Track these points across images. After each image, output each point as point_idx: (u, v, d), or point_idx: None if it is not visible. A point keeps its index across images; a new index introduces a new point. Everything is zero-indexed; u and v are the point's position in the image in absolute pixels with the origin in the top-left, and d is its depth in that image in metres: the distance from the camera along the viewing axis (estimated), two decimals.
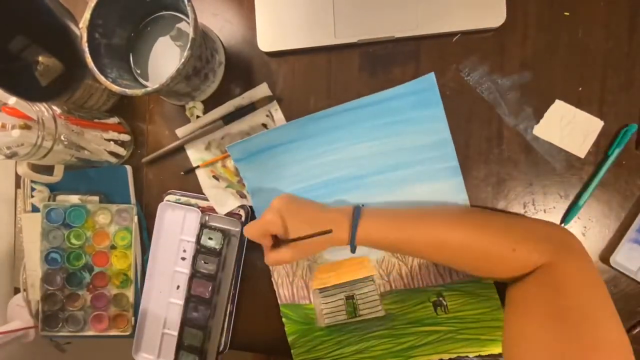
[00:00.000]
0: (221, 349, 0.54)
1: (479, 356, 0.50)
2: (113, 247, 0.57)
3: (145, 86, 0.49)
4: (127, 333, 0.56)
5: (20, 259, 0.60)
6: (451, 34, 0.49)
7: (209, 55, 0.49)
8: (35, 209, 0.58)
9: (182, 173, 0.56)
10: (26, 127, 0.44)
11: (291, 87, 0.53)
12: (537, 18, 0.49)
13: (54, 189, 0.57)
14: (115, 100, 0.57)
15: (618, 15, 0.47)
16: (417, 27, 0.49)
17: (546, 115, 0.49)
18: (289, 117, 0.53)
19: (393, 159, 0.51)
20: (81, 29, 0.44)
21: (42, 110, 0.46)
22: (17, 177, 0.60)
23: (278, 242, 0.47)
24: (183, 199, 0.55)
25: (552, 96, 0.49)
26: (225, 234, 0.53)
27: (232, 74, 0.54)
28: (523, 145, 0.50)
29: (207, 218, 0.54)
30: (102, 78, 0.43)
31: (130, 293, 0.57)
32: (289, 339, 0.54)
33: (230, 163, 0.54)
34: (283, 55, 0.53)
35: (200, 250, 0.53)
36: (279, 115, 0.53)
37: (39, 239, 0.55)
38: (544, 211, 0.50)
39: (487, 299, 0.50)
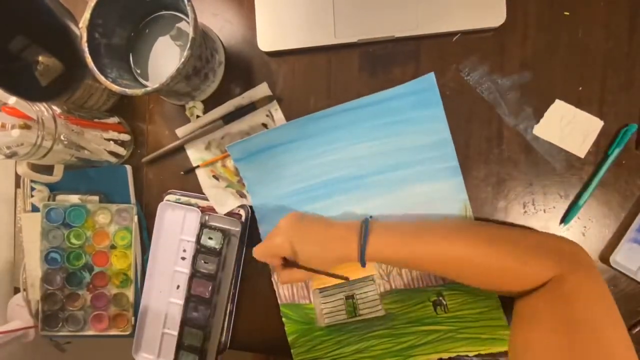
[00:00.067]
0: (221, 348, 0.54)
1: (479, 355, 0.50)
2: (113, 246, 0.57)
3: (145, 86, 0.49)
4: (127, 333, 0.56)
5: (20, 259, 0.60)
6: (451, 34, 0.49)
7: (209, 55, 0.49)
8: (35, 209, 0.58)
9: (182, 173, 0.56)
10: (26, 127, 0.44)
11: (291, 87, 0.53)
12: (537, 18, 0.49)
13: (54, 189, 0.57)
14: (115, 100, 0.57)
15: (618, 15, 0.47)
16: (417, 27, 0.49)
17: (546, 115, 0.49)
18: (289, 117, 0.53)
19: (393, 159, 0.51)
20: (81, 28, 0.44)
21: (42, 110, 0.46)
22: (17, 177, 0.60)
23: (288, 261, 0.47)
24: (183, 198, 0.55)
25: (552, 96, 0.49)
26: (225, 233, 0.53)
27: (232, 74, 0.54)
28: (523, 145, 0.50)
29: (207, 218, 0.54)
30: (102, 78, 0.43)
31: (130, 293, 0.57)
32: (289, 338, 0.54)
33: (230, 163, 0.54)
34: (283, 55, 0.53)
35: (200, 250, 0.53)
36: (279, 115, 0.53)
37: (38, 239, 0.55)
38: (544, 211, 0.50)
39: (486, 298, 0.50)
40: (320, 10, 0.50)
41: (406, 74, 0.51)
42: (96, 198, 0.57)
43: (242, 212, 0.54)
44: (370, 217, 0.48)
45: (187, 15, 0.43)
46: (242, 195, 0.55)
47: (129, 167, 0.57)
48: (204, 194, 0.55)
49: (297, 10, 0.50)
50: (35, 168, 0.50)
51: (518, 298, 0.42)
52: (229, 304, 0.54)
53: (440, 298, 0.51)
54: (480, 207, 0.51)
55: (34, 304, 0.58)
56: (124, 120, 0.57)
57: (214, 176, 0.55)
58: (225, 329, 0.54)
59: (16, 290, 0.61)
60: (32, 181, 0.57)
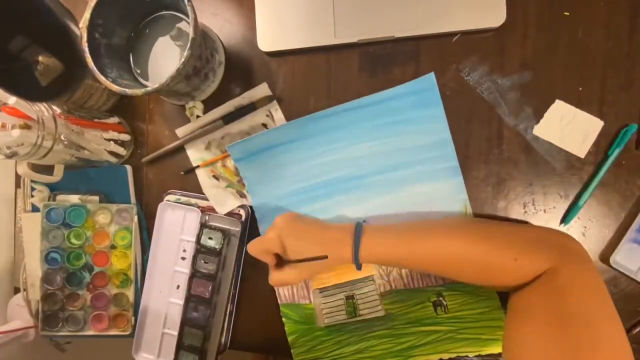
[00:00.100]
0: (221, 348, 0.54)
1: (479, 356, 0.50)
2: (113, 246, 0.57)
3: (145, 86, 0.49)
4: (127, 333, 0.56)
5: (20, 259, 0.60)
6: (451, 34, 0.49)
7: (209, 55, 0.49)
8: (35, 209, 0.58)
9: (182, 173, 0.56)
10: (26, 126, 0.44)
11: (291, 87, 0.53)
12: (537, 18, 0.49)
13: (54, 189, 0.57)
14: (115, 100, 0.57)
15: (618, 15, 0.47)
16: (417, 27, 0.49)
17: (546, 115, 0.49)
18: (289, 117, 0.53)
19: (393, 159, 0.51)
20: (81, 28, 0.44)
21: (42, 110, 0.46)
22: (17, 177, 0.60)
23: (282, 262, 0.47)
24: (183, 198, 0.55)
25: (552, 96, 0.49)
26: (225, 233, 0.53)
27: (232, 74, 0.54)
28: (523, 145, 0.50)
29: (207, 218, 0.54)
30: (102, 78, 0.43)
31: (130, 293, 0.57)
32: (289, 338, 0.54)
33: (230, 163, 0.54)
34: (283, 55, 0.53)
35: (200, 250, 0.53)
36: (279, 115, 0.53)
37: (39, 239, 0.55)
38: (544, 211, 0.50)
39: (486, 298, 0.50)
40: (320, 10, 0.50)
41: (406, 74, 0.51)
42: (96, 198, 0.57)
43: (242, 212, 0.54)
44: (364, 221, 0.48)
45: (187, 16, 0.43)
46: (242, 195, 0.55)
47: (129, 167, 0.57)
48: (204, 194, 0.55)
49: (297, 10, 0.50)
50: (36, 168, 0.50)
51: (512, 292, 0.42)
52: (229, 304, 0.54)
53: (441, 298, 0.51)
54: (480, 207, 0.50)
55: (34, 304, 0.58)
56: (124, 120, 0.57)
57: (214, 176, 0.55)
58: (225, 329, 0.54)
59: (16, 290, 0.61)
60: (32, 181, 0.57)
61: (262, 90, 0.53)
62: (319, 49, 0.51)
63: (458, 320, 0.51)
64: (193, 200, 0.55)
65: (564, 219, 0.49)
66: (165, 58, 0.50)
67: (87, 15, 0.43)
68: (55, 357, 0.62)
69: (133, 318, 0.57)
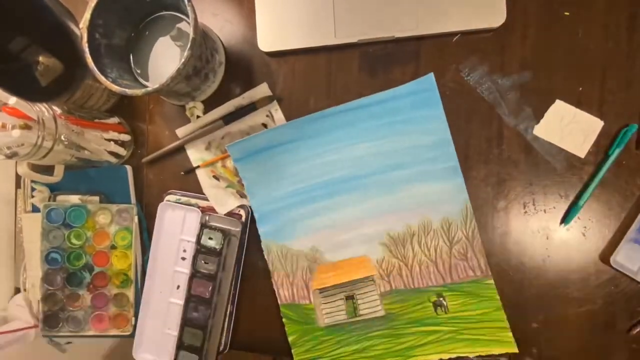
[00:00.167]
0: (221, 349, 0.54)
1: (479, 356, 0.50)
2: (113, 247, 0.57)
3: (145, 86, 0.49)
4: (127, 333, 0.56)
5: (21, 259, 0.60)
6: (451, 34, 0.49)
7: (209, 55, 0.49)
8: (35, 209, 0.58)
9: (182, 173, 0.56)
10: (26, 127, 0.44)
11: (291, 87, 0.53)
12: (537, 18, 0.49)
13: (54, 189, 0.57)
14: (115, 100, 0.57)
15: (618, 15, 0.47)
16: (417, 27, 0.49)
17: (546, 115, 0.49)
18: (289, 117, 0.53)
19: (393, 159, 0.51)
20: (81, 29, 0.44)
21: (42, 110, 0.46)
22: (17, 177, 0.60)
23: None
24: (183, 199, 0.55)
25: (552, 96, 0.49)
26: (225, 233, 0.53)
27: (232, 74, 0.54)
28: (523, 145, 0.50)
29: (207, 218, 0.54)
30: (102, 78, 0.43)
31: (130, 293, 0.57)
32: (289, 338, 0.54)
33: (230, 163, 0.54)
34: (283, 55, 0.53)
35: (201, 250, 0.53)
36: (279, 115, 0.53)
37: (39, 239, 0.55)
38: (544, 211, 0.50)
39: (487, 299, 0.50)
40: (320, 10, 0.50)
41: (406, 74, 0.51)
42: (96, 198, 0.57)
43: (242, 212, 0.54)
44: None
45: (187, 16, 0.43)
46: (243, 196, 0.55)
47: (129, 168, 0.57)
48: (204, 194, 0.55)
49: (297, 10, 0.50)
50: (36, 168, 0.50)
51: None
52: (229, 304, 0.54)
53: (441, 299, 0.51)
54: (480, 207, 0.51)
55: (35, 304, 0.58)
56: (124, 120, 0.57)
57: (214, 176, 0.55)
58: (225, 329, 0.54)
59: (17, 291, 0.61)
60: (32, 181, 0.57)
61: (262, 90, 0.53)
62: (319, 49, 0.51)
63: (458, 320, 0.51)
64: (193, 201, 0.55)
65: (564, 219, 0.49)
66: (165, 58, 0.50)
67: (87, 15, 0.43)
68: (56, 357, 0.62)
69: (133, 318, 0.57)
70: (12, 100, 0.44)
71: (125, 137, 0.56)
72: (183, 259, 0.56)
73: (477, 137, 0.50)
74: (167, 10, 0.50)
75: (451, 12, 0.48)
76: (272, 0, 0.51)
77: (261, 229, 0.54)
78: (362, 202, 0.52)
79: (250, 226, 0.54)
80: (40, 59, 0.46)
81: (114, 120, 0.55)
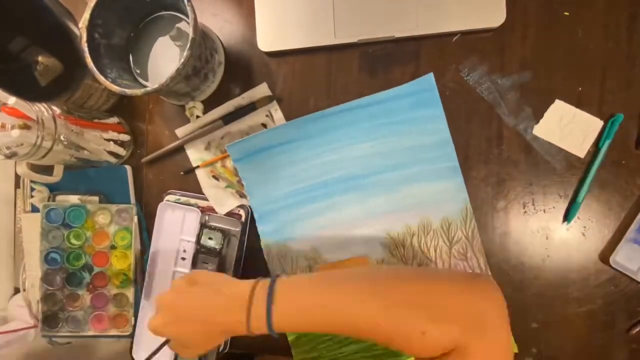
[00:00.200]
0: (221, 349, 0.54)
1: None
2: (113, 247, 0.56)
3: (145, 86, 0.49)
4: (127, 333, 0.56)
5: (20, 259, 0.60)
6: (451, 34, 0.49)
7: (208, 55, 0.49)
8: (35, 209, 0.58)
9: (182, 173, 0.56)
10: (26, 127, 0.44)
11: (291, 87, 0.53)
12: (537, 18, 0.49)
13: (54, 189, 0.57)
14: (115, 100, 0.57)
15: (618, 15, 0.47)
16: (417, 27, 0.49)
17: (546, 115, 0.49)
18: (288, 117, 0.53)
19: (392, 159, 0.51)
20: (81, 29, 0.44)
21: (41, 110, 0.46)
22: (17, 177, 0.60)
23: None
24: (183, 199, 0.55)
25: (552, 96, 0.49)
26: (225, 233, 0.53)
27: (232, 74, 0.54)
28: (523, 145, 0.50)
29: (207, 218, 0.54)
30: (101, 78, 0.43)
31: (130, 293, 0.57)
32: (289, 338, 0.54)
33: (229, 163, 0.54)
34: (283, 55, 0.53)
35: (200, 250, 0.53)
36: (278, 115, 0.53)
37: (38, 239, 0.55)
38: (544, 211, 0.50)
39: None
40: (320, 10, 0.50)
41: (406, 74, 0.51)
42: (96, 198, 0.57)
43: (242, 212, 0.54)
44: (277, 275, 0.40)
45: (187, 16, 0.43)
46: (242, 195, 0.55)
47: (128, 167, 0.57)
48: (203, 194, 0.55)
49: (297, 10, 0.50)
50: (35, 168, 0.50)
51: None
52: None
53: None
54: (480, 207, 0.51)
55: (34, 304, 0.58)
56: (124, 120, 0.57)
57: (213, 176, 0.55)
58: None
59: (16, 291, 0.61)
60: (32, 181, 0.57)
61: (262, 90, 0.53)
62: (319, 49, 0.51)
63: None
64: (193, 201, 0.55)
65: (566, 218, 0.49)
66: (165, 58, 0.50)
67: (86, 15, 0.43)
68: (55, 357, 0.62)
69: (133, 318, 0.57)
70: (12, 100, 0.44)
71: (125, 137, 0.56)
72: (183, 259, 0.56)
73: (477, 137, 0.50)
74: (166, 10, 0.50)
75: (451, 12, 0.48)
76: (271, 0, 0.51)
77: (261, 229, 0.54)
78: (362, 202, 0.52)
79: (250, 226, 0.54)
80: (40, 59, 0.46)
81: (114, 120, 0.55)
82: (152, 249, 0.56)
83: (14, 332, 0.55)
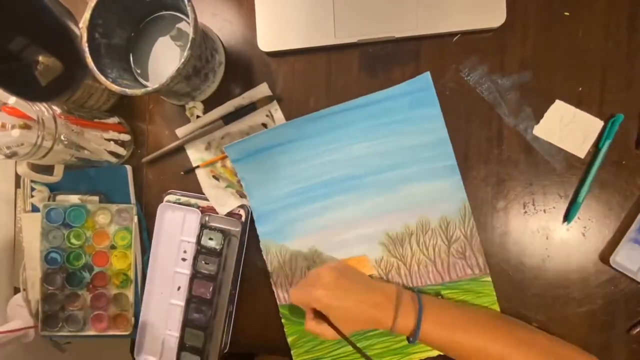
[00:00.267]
0: (222, 349, 0.54)
1: None
2: (113, 247, 0.56)
3: (145, 86, 0.49)
4: (127, 333, 0.56)
5: (20, 259, 0.60)
6: (451, 34, 0.49)
7: (209, 55, 0.49)
8: (35, 209, 0.58)
9: (182, 173, 0.56)
10: (26, 126, 0.44)
11: (291, 87, 0.53)
12: (537, 18, 0.49)
13: (54, 189, 0.57)
14: (115, 100, 0.57)
15: (618, 15, 0.47)
16: (417, 27, 0.49)
17: (546, 115, 0.49)
18: (289, 117, 0.53)
19: (391, 159, 0.51)
20: (81, 29, 0.44)
21: (42, 110, 0.46)
22: (17, 177, 0.60)
23: (319, 313, 0.45)
24: (183, 199, 0.55)
25: (552, 96, 0.49)
26: (225, 234, 0.53)
27: (232, 74, 0.54)
28: (523, 145, 0.50)
29: (207, 218, 0.54)
30: (102, 78, 0.43)
31: (130, 293, 0.57)
32: (289, 339, 0.54)
33: (230, 163, 0.54)
34: (283, 55, 0.53)
35: (201, 250, 0.53)
36: (279, 115, 0.53)
37: (38, 239, 0.55)
38: (544, 211, 0.50)
39: (484, 295, 0.50)
40: (320, 10, 0.50)
41: (406, 74, 0.51)
42: (96, 198, 0.57)
43: (242, 212, 0.54)
44: (418, 290, 0.49)
45: (187, 16, 0.43)
46: (242, 196, 0.55)
47: (129, 167, 0.57)
48: (204, 194, 0.55)
49: (297, 10, 0.50)
50: (35, 168, 0.50)
51: None
52: (229, 305, 0.54)
53: (440, 297, 0.51)
54: (480, 207, 0.51)
55: (34, 304, 0.58)
56: (124, 120, 0.57)
57: (214, 176, 0.55)
58: (225, 329, 0.54)
59: (16, 290, 0.61)
60: (32, 181, 0.57)
61: (262, 90, 0.53)
62: (319, 49, 0.51)
63: None
64: (193, 201, 0.55)
65: (566, 218, 0.49)
66: (165, 58, 0.50)
67: (87, 15, 0.43)
68: (55, 357, 0.62)
69: (133, 318, 0.57)
70: (12, 100, 0.44)
71: (125, 137, 0.56)
72: (183, 259, 0.56)
73: (477, 137, 0.50)
74: (167, 10, 0.50)
75: (451, 12, 0.48)
76: (272, 0, 0.51)
77: (260, 229, 0.54)
78: (361, 202, 0.52)
79: (250, 226, 0.54)
80: (40, 58, 0.46)
81: (114, 120, 0.55)
82: (152, 250, 0.56)
83: (14, 332, 0.55)
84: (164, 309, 0.56)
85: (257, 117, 0.54)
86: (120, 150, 0.55)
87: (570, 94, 0.48)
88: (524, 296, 0.50)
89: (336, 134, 0.52)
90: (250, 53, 0.53)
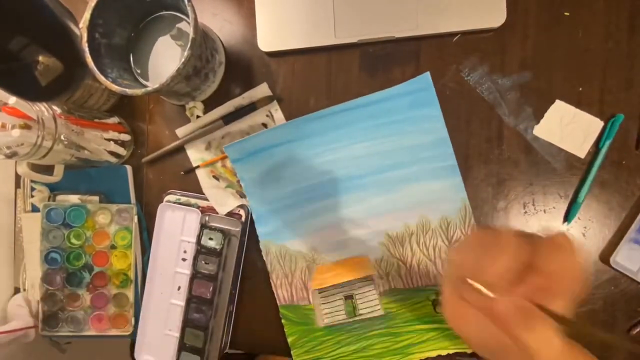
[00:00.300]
0: (222, 349, 0.54)
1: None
2: (113, 247, 0.56)
3: (145, 86, 0.49)
4: (127, 333, 0.56)
5: (20, 259, 0.60)
6: (451, 34, 0.49)
7: (209, 55, 0.49)
8: (35, 209, 0.58)
9: (182, 173, 0.56)
10: (26, 126, 0.44)
11: (291, 87, 0.53)
12: (537, 18, 0.49)
13: (54, 189, 0.57)
14: (115, 100, 0.57)
15: (618, 15, 0.47)
16: (417, 27, 0.49)
17: (546, 115, 0.49)
18: (289, 117, 0.53)
19: (391, 159, 0.51)
20: (81, 28, 0.44)
21: (42, 110, 0.46)
22: (17, 177, 0.60)
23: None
24: (183, 199, 0.55)
25: (552, 96, 0.49)
26: (225, 234, 0.53)
27: (232, 74, 0.54)
28: (523, 146, 0.50)
29: (207, 218, 0.54)
30: (102, 78, 0.43)
31: (130, 293, 0.57)
32: (289, 339, 0.54)
33: (230, 163, 0.54)
34: (283, 55, 0.53)
35: (201, 250, 0.53)
36: (279, 115, 0.53)
37: (38, 239, 0.55)
38: (544, 211, 0.50)
39: None
40: (320, 10, 0.50)
41: (406, 74, 0.51)
42: (96, 198, 0.57)
43: (242, 212, 0.54)
44: None
45: (187, 16, 0.43)
46: (242, 196, 0.55)
47: (129, 167, 0.57)
48: (204, 194, 0.55)
49: (297, 10, 0.50)
50: (35, 168, 0.50)
51: None
52: (229, 305, 0.54)
53: (440, 297, 0.51)
54: (480, 207, 0.51)
55: (34, 304, 0.58)
56: (124, 120, 0.57)
57: (214, 176, 0.55)
58: (225, 329, 0.54)
59: (16, 291, 0.61)
60: (32, 181, 0.57)
61: (262, 90, 0.53)
62: (319, 49, 0.51)
63: None
64: (193, 201, 0.55)
65: (566, 218, 0.49)
66: (165, 58, 0.50)
67: (87, 15, 0.43)
68: (55, 357, 0.62)
69: (133, 318, 0.57)
70: (12, 100, 0.44)
71: (125, 137, 0.56)
72: (183, 259, 0.56)
73: (477, 137, 0.50)
74: (167, 10, 0.50)
75: (451, 12, 0.48)
76: (272, 0, 0.51)
77: (260, 229, 0.54)
78: (361, 202, 0.52)
79: (250, 226, 0.54)
80: (40, 58, 0.46)
81: (114, 120, 0.55)
82: (152, 251, 0.56)
83: (14, 332, 0.55)
84: (164, 309, 0.56)
85: (257, 117, 0.54)
86: (120, 150, 0.55)
87: (570, 94, 0.48)
88: None
89: (336, 134, 0.51)
90: (250, 53, 0.53)
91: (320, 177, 0.52)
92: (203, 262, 0.53)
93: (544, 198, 0.50)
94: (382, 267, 0.52)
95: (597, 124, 0.48)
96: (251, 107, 0.53)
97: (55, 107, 0.49)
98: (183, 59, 0.41)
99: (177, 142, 0.55)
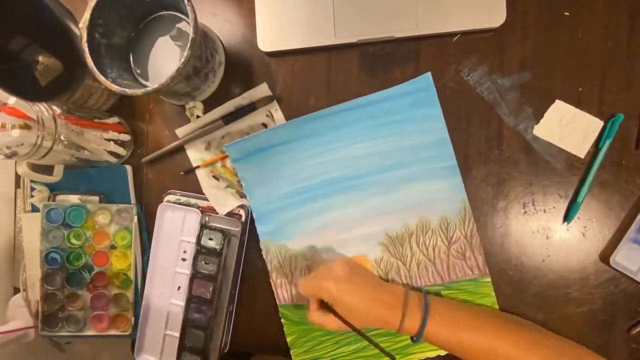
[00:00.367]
0: (222, 349, 0.54)
1: None
2: (113, 247, 0.56)
3: (145, 86, 0.49)
4: (127, 333, 0.56)
5: (20, 259, 0.60)
6: (451, 34, 0.49)
7: (209, 55, 0.49)
8: (35, 209, 0.58)
9: (182, 173, 0.56)
10: (26, 127, 0.44)
11: (291, 87, 0.53)
12: (537, 18, 0.49)
13: (54, 189, 0.57)
14: (115, 100, 0.57)
15: (618, 15, 0.47)
16: (417, 27, 0.49)
17: (546, 115, 0.49)
18: (288, 117, 0.53)
19: (391, 159, 0.51)
20: (81, 28, 0.44)
21: (42, 110, 0.46)
22: (17, 177, 0.60)
23: (325, 305, 0.46)
24: (183, 199, 0.55)
25: (552, 96, 0.49)
26: (225, 234, 0.53)
27: (232, 74, 0.54)
28: (523, 145, 0.50)
29: (207, 218, 0.54)
30: (102, 78, 0.43)
31: (130, 293, 0.57)
32: (288, 339, 0.54)
33: (230, 163, 0.54)
34: (283, 55, 0.53)
35: (201, 250, 0.53)
36: (279, 115, 0.53)
37: (38, 239, 0.55)
38: (544, 211, 0.50)
39: (484, 296, 0.50)
40: (320, 10, 0.50)
41: (406, 74, 0.51)
42: (96, 198, 0.57)
43: (242, 212, 0.54)
44: (426, 292, 0.48)
45: (187, 16, 0.43)
46: (242, 196, 0.55)
47: (129, 167, 0.57)
48: (204, 194, 0.55)
49: (297, 10, 0.50)
50: (35, 168, 0.50)
51: None
52: (229, 304, 0.54)
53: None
54: (480, 207, 0.51)
55: (34, 304, 0.58)
56: (124, 120, 0.57)
57: (214, 176, 0.55)
58: (225, 329, 0.54)
59: (16, 290, 0.61)
60: (32, 181, 0.57)
61: (262, 90, 0.53)
62: (319, 49, 0.51)
63: None
64: (193, 201, 0.55)
65: (566, 218, 0.49)
66: (165, 58, 0.50)
67: (87, 15, 0.43)
68: (55, 357, 0.62)
69: (133, 318, 0.57)
70: (12, 100, 0.44)
71: (125, 137, 0.56)
72: (183, 260, 0.56)
73: (477, 137, 0.50)
74: (167, 10, 0.50)
75: (451, 12, 0.48)
76: (272, 0, 0.51)
77: (260, 229, 0.54)
78: (361, 202, 0.52)
79: (250, 226, 0.54)
80: (40, 58, 0.46)
81: (114, 120, 0.55)
82: (152, 251, 0.56)
83: (14, 332, 0.55)
84: (164, 309, 0.56)
85: (257, 117, 0.54)
86: (120, 150, 0.55)
87: (570, 94, 0.48)
88: (523, 296, 0.50)
89: (336, 134, 0.51)
90: (250, 53, 0.53)
91: (320, 177, 0.52)
92: (203, 262, 0.53)
93: (543, 198, 0.50)
94: (382, 267, 0.52)
95: (597, 124, 0.48)
96: (251, 107, 0.53)
97: (55, 107, 0.49)
98: (183, 59, 0.41)
99: (177, 142, 0.55)
